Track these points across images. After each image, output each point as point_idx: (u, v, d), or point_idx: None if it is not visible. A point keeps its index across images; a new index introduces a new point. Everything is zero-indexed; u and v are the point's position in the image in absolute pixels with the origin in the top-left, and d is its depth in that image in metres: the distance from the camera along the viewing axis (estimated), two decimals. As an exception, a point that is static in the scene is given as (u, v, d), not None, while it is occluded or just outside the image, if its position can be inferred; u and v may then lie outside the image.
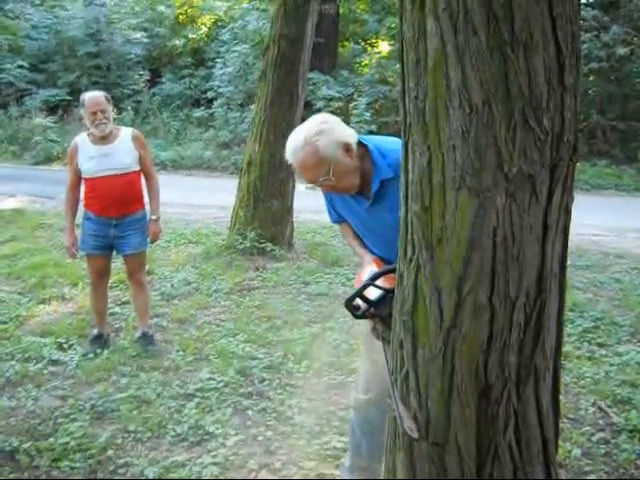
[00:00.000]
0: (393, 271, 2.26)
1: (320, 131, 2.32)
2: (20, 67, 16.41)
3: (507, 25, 1.46)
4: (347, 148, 2.35)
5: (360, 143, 2.42)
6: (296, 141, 2.34)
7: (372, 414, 2.72)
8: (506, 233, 1.56)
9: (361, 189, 2.44)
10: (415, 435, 1.77)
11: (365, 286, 2.26)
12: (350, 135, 2.39)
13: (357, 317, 2.34)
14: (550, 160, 1.55)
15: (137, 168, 4.39)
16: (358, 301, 2.29)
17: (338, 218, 2.74)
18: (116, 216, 4.33)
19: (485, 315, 1.61)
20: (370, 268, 2.44)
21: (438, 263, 1.64)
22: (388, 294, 2.19)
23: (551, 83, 1.51)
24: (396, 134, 2.33)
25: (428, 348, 1.71)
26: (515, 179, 1.53)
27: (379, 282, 2.25)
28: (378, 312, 2.26)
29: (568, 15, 1.51)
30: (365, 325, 2.65)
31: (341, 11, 16.67)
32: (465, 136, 1.53)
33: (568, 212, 1.66)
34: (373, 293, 2.26)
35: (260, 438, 3.43)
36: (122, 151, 4.32)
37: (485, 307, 1.60)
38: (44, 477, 3.10)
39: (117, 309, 5.22)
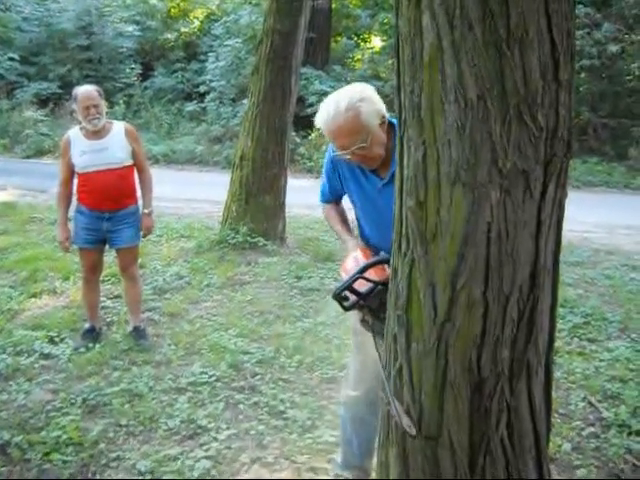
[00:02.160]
0: (381, 262, 2.27)
1: (362, 98, 2.32)
2: (11, 60, 16.30)
3: (503, 21, 1.46)
4: (383, 120, 2.36)
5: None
6: (337, 105, 2.31)
7: (362, 410, 2.73)
8: (500, 228, 1.57)
9: (377, 167, 2.45)
10: (413, 433, 1.77)
11: (354, 279, 2.27)
12: (384, 108, 2.40)
13: (346, 309, 2.34)
14: (544, 156, 1.56)
15: (130, 162, 4.38)
16: (347, 292, 2.29)
17: (330, 197, 2.75)
18: (109, 210, 4.32)
19: (479, 310, 1.62)
20: (355, 255, 2.44)
21: (432, 258, 1.65)
22: (377, 286, 2.20)
23: (546, 79, 1.52)
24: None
25: (422, 342, 1.71)
26: (509, 175, 1.54)
27: (367, 274, 2.26)
28: (367, 304, 2.26)
29: (563, 12, 1.51)
30: (355, 322, 2.65)
31: (334, 6, 16.62)
32: (460, 131, 1.54)
33: (561, 208, 1.67)
34: (362, 285, 2.26)
35: (252, 432, 3.44)
36: (115, 145, 4.30)
37: (479, 302, 1.61)
38: (36, 471, 3.09)
39: (109, 303, 5.20)
